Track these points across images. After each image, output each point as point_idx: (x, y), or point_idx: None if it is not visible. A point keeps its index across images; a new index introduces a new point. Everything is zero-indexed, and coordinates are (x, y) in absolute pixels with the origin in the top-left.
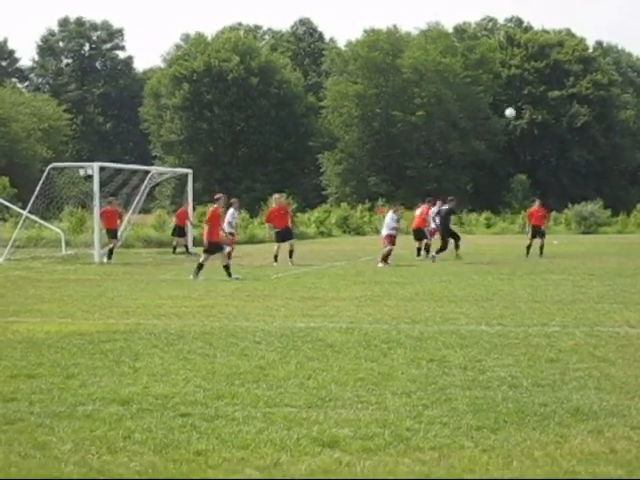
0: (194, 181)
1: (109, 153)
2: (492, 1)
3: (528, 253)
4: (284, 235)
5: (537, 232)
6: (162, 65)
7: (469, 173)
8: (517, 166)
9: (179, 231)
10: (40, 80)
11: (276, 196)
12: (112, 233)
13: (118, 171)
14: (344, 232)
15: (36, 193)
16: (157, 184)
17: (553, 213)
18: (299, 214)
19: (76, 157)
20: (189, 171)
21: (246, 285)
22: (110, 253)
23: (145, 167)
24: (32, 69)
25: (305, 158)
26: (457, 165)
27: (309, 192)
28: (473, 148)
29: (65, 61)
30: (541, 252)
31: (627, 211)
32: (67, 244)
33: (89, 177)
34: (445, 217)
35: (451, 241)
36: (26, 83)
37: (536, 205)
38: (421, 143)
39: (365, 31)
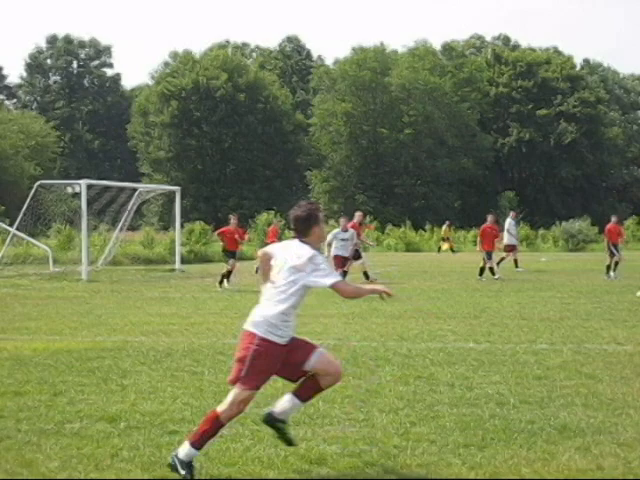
0: (182, 198)
1: (97, 170)
2: (480, 19)
3: (609, 272)
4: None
5: (615, 248)
6: (150, 82)
7: (457, 190)
8: (505, 183)
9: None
10: (28, 97)
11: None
12: (230, 254)
13: (106, 188)
14: None
15: (24, 210)
16: (145, 201)
17: (540, 230)
18: (287, 231)
19: (64, 174)
20: (177, 188)
21: (235, 302)
22: (224, 277)
23: (133, 184)
24: (20, 86)
25: (293, 176)
26: (445, 182)
27: None
28: (461, 165)
29: (53, 78)
30: (614, 268)
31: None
32: (55, 261)
33: (77, 194)
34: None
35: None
36: (14, 100)
37: (613, 221)
38: (409, 160)
39: (353, 49)
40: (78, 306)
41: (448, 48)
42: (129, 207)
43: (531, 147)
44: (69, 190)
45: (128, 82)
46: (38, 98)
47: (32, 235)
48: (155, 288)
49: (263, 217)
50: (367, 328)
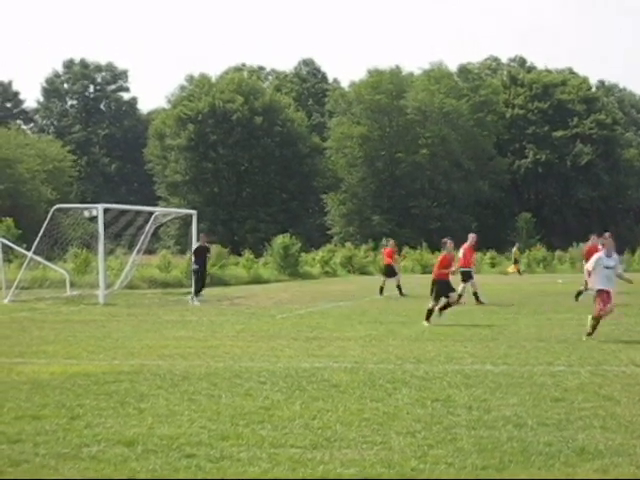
0: (199, 221)
1: (114, 194)
2: (495, 41)
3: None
4: None
5: None
6: (166, 106)
7: (473, 212)
8: (521, 205)
9: (389, 271)
10: (45, 122)
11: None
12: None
13: (123, 212)
14: (348, 272)
15: (41, 234)
16: (161, 225)
17: (557, 252)
18: (303, 254)
19: (81, 198)
20: (193, 212)
21: (251, 325)
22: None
23: (149, 208)
24: (37, 111)
25: (309, 198)
26: (461, 204)
27: (313, 232)
28: (477, 187)
29: (70, 102)
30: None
31: (632, 250)
32: (72, 285)
33: (94, 218)
34: None
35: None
36: (31, 124)
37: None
38: (425, 183)
39: (369, 71)
40: (95, 330)
41: (465, 70)
42: (146, 230)
43: (547, 168)
44: (86, 214)
45: (144, 106)
46: (55, 122)
47: (49, 259)
48: (172, 311)
49: (279, 240)
50: (384, 351)
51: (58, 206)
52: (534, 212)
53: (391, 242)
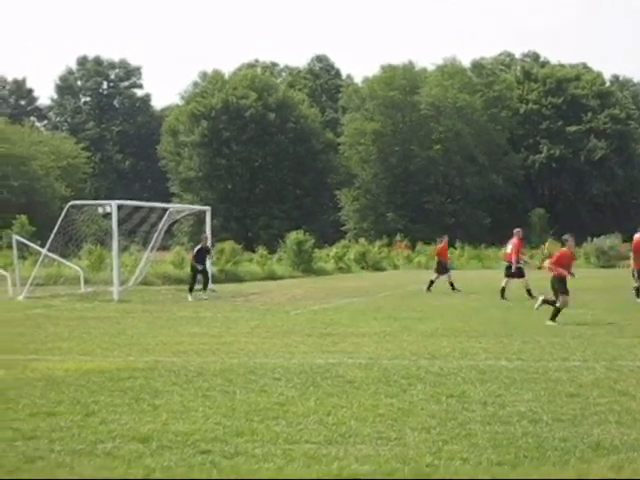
0: (212, 218)
1: (127, 191)
2: (509, 36)
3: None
4: None
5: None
6: (179, 103)
7: (487, 208)
8: (535, 200)
9: (440, 267)
10: (58, 119)
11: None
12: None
13: (137, 208)
14: (362, 268)
15: (55, 231)
16: (176, 221)
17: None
18: (317, 250)
19: (94, 195)
20: (207, 208)
21: (265, 321)
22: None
23: (163, 204)
24: (50, 108)
25: (323, 194)
26: (475, 200)
27: (327, 228)
28: (491, 182)
29: (83, 99)
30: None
31: None
32: (86, 282)
33: (108, 215)
34: None
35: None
36: (44, 122)
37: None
38: (439, 178)
39: (382, 67)
40: (109, 326)
41: (478, 66)
42: (160, 227)
43: (561, 163)
44: (100, 210)
45: (158, 102)
46: (68, 119)
47: (63, 255)
48: (186, 308)
49: (292, 236)
50: (398, 347)
51: (73, 203)
52: (548, 207)
53: (445, 238)
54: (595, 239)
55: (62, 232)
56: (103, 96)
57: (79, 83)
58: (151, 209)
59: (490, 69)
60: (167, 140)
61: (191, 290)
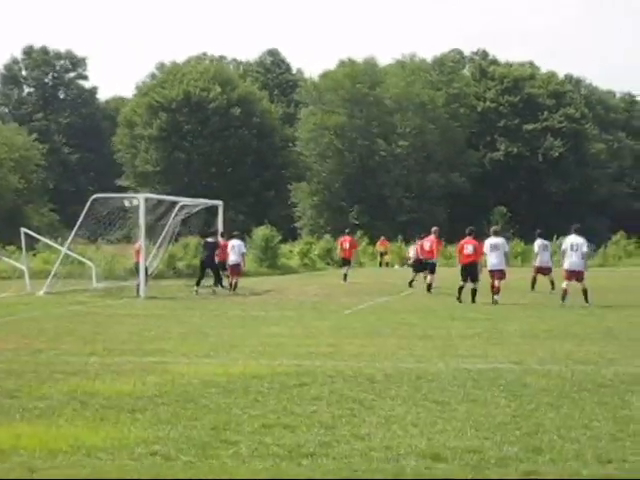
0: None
1: (73, 183)
2: (456, 33)
3: None
4: None
5: None
6: (122, 94)
7: (446, 204)
8: (496, 198)
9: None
10: (2, 109)
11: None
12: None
13: (159, 202)
14: (327, 264)
15: (78, 224)
16: (190, 215)
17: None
18: (281, 245)
19: (41, 188)
20: (219, 203)
21: (334, 322)
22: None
23: (181, 198)
24: None
25: (282, 189)
26: (434, 196)
27: (281, 224)
28: (450, 180)
29: (27, 90)
30: None
31: (604, 244)
32: (105, 277)
33: (130, 209)
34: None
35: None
36: None
37: None
38: (399, 174)
39: (341, 62)
40: (179, 325)
41: (438, 62)
42: (170, 221)
43: (519, 161)
44: (126, 204)
45: (104, 94)
46: (12, 110)
47: (83, 251)
48: (232, 305)
49: (260, 231)
50: (526, 351)
51: (96, 196)
52: (508, 205)
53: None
54: (561, 237)
55: (84, 226)
56: (48, 87)
57: (24, 73)
58: (159, 202)
59: (450, 66)
60: (123, 132)
61: (197, 284)
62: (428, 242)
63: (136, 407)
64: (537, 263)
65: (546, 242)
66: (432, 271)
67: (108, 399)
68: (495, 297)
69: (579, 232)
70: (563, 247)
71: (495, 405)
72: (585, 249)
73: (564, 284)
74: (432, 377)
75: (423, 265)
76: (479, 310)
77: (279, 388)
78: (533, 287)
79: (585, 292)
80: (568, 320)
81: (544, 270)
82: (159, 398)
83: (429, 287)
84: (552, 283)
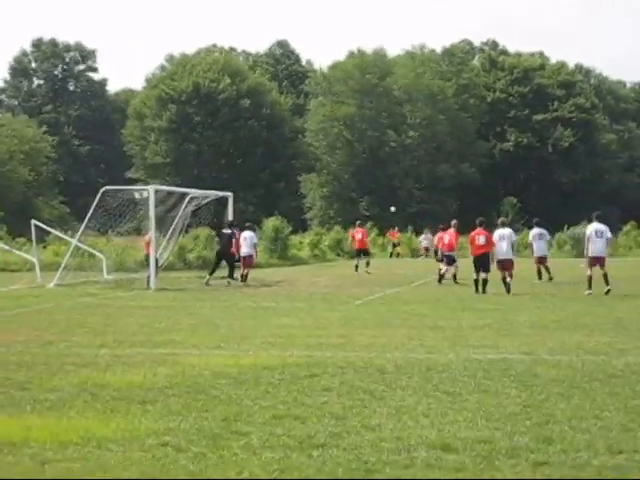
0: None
1: (83, 175)
2: (466, 24)
3: None
4: None
5: None
6: (132, 86)
7: (456, 195)
8: (506, 189)
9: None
10: (12, 101)
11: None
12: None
13: (169, 194)
14: (338, 255)
15: (89, 216)
16: (200, 207)
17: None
18: (291, 236)
19: (52, 180)
20: (229, 194)
21: (344, 313)
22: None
23: (190, 190)
24: (3, 90)
25: (292, 180)
26: (444, 187)
27: (292, 214)
28: (460, 170)
29: (37, 82)
30: None
31: (614, 235)
32: (115, 269)
33: (140, 200)
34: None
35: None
36: None
37: None
38: (409, 165)
39: (351, 52)
40: (189, 317)
41: (448, 53)
42: (180, 213)
43: (529, 152)
44: (136, 196)
45: (114, 86)
46: (22, 102)
47: (94, 243)
48: (243, 297)
49: (270, 222)
50: (536, 341)
51: (106, 188)
52: (518, 196)
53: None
54: (572, 228)
55: (95, 217)
56: (58, 79)
57: (33, 65)
58: (169, 194)
59: (460, 57)
60: (133, 124)
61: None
62: (448, 235)
63: (147, 398)
64: (535, 253)
65: (542, 231)
66: (449, 263)
67: (119, 391)
68: (508, 280)
69: (601, 219)
70: (587, 234)
71: (506, 395)
72: (609, 235)
73: (588, 272)
74: (443, 368)
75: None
76: (489, 301)
77: (290, 379)
78: (540, 277)
79: (605, 276)
80: (578, 310)
81: (541, 259)
82: (170, 389)
83: (441, 278)
84: (539, 273)
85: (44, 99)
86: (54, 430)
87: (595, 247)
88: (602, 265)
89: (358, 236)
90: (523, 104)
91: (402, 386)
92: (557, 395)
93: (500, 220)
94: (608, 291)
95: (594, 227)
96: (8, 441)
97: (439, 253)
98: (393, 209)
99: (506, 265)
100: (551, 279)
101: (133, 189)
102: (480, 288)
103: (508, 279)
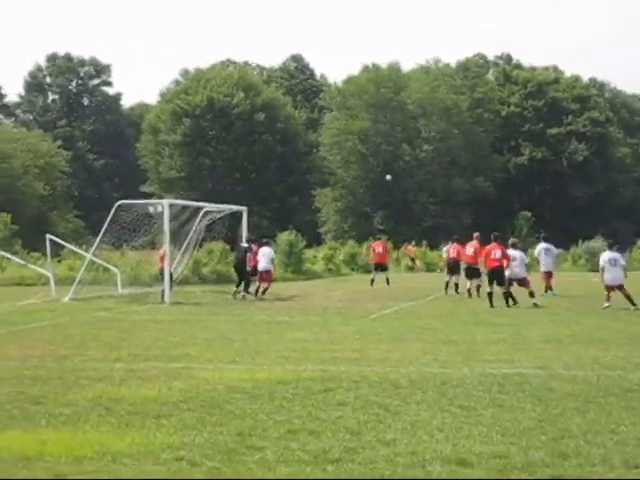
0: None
1: (98, 189)
2: (480, 38)
3: None
4: None
5: None
6: (148, 101)
7: (471, 210)
8: (521, 203)
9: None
10: (26, 116)
11: None
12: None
13: (184, 208)
14: (352, 270)
15: (103, 230)
16: (214, 221)
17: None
18: (305, 250)
19: (66, 194)
20: (244, 208)
21: (358, 327)
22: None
23: (205, 204)
24: (18, 105)
25: (306, 194)
26: (459, 201)
27: (308, 228)
28: (475, 185)
29: (52, 97)
30: None
31: (629, 248)
32: (130, 283)
33: (155, 215)
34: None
35: None
36: (12, 119)
37: None
38: (424, 179)
39: (365, 67)
40: (203, 331)
41: (462, 67)
42: (195, 227)
43: (543, 166)
44: (151, 210)
45: (128, 101)
46: (37, 117)
47: (108, 258)
48: (257, 310)
49: (284, 236)
50: (550, 356)
51: (121, 202)
52: (533, 210)
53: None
54: (586, 242)
55: (109, 232)
56: (73, 93)
57: (48, 80)
58: (183, 208)
59: (474, 71)
60: (147, 139)
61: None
62: (471, 247)
63: (161, 413)
64: (542, 268)
65: (549, 246)
66: (476, 276)
67: (133, 405)
68: (534, 301)
69: (613, 248)
70: (601, 264)
71: (521, 410)
72: (623, 262)
73: (606, 293)
74: (457, 382)
75: (457, 268)
76: (503, 315)
77: (304, 393)
78: (551, 290)
79: (628, 297)
80: (593, 325)
81: (546, 274)
82: (184, 404)
83: (474, 290)
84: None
85: (59, 114)
86: (69, 444)
87: (610, 276)
88: (621, 290)
89: (379, 249)
90: (537, 118)
91: (417, 400)
92: (572, 410)
93: (511, 241)
94: (636, 308)
95: (607, 256)
96: (23, 455)
97: (460, 266)
98: (389, 177)
99: (522, 283)
100: (542, 295)
101: (148, 203)
102: (489, 302)
103: (533, 299)
